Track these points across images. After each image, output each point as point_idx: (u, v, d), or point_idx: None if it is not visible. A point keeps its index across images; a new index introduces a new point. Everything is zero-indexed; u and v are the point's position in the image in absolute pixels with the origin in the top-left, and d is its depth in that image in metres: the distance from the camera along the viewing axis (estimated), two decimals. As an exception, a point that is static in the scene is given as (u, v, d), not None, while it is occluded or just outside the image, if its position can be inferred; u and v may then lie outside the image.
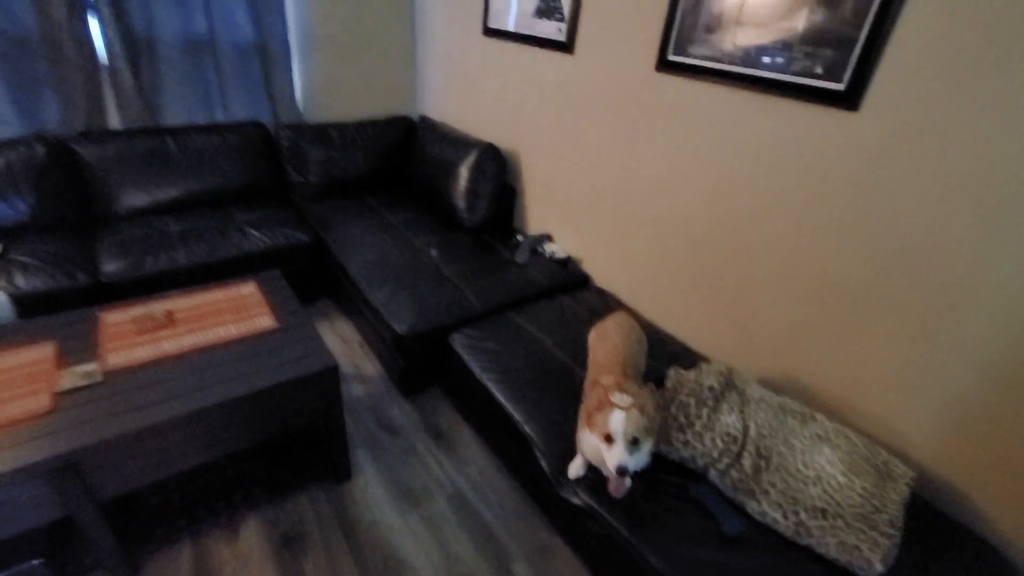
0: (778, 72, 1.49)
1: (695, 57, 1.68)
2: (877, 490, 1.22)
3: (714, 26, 1.61)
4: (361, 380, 2.18)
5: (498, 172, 2.54)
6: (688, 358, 1.86)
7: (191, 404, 1.30)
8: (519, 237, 2.54)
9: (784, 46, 1.46)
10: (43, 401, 1.24)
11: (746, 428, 1.37)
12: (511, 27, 2.38)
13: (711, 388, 1.45)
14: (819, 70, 1.40)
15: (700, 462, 1.33)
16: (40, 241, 2.08)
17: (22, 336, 1.46)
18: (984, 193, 1.19)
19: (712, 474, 1.31)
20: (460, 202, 2.55)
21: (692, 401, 1.40)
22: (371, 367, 2.25)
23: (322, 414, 1.56)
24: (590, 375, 1.52)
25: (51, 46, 2.18)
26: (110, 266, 2.04)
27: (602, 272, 2.32)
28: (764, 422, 1.40)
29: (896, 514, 1.19)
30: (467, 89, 2.84)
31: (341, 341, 2.40)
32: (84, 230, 2.27)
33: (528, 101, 2.44)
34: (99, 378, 1.33)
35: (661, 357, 1.84)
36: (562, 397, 1.63)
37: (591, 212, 2.28)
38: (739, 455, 1.31)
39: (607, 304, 2.14)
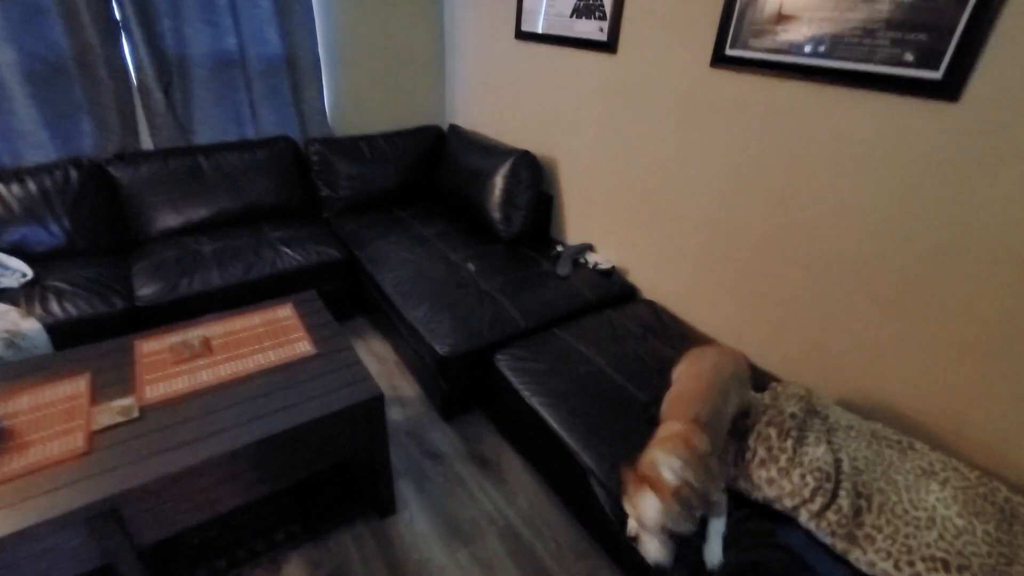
0: (859, 62, 1.34)
1: (757, 50, 1.55)
2: (1004, 535, 1.06)
3: (780, 15, 1.47)
4: (400, 403, 2.08)
5: (534, 180, 2.43)
6: (753, 377, 1.71)
7: (233, 442, 1.21)
8: (559, 248, 2.42)
9: (866, 33, 1.31)
10: (78, 441, 1.17)
11: (838, 461, 1.22)
12: (546, 29, 2.28)
13: (792, 416, 1.30)
14: (909, 58, 1.25)
15: (789, 503, 1.18)
16: (75, 266, 2.05)
17: (56, 369, 1.40)
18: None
19: (804, 517, 1.16)
20: (495, 213, 2.45)
21: (773, 432, 1.26)
22: (409, 388, 2.16)
23: (366, 447, 1.46)
24: (664, 405, 1.30)
25: (84, 69, 2.17)
26: (145, 290, 1.99)
27: (651, 283, 2.19)
28: (858, 454, 1.25)
29: (1029, 565, 1.02)
30: (499, 96, 2.74)
31: (377, 361, 2.31)
32: (119, 253, 2.24)
33: (565, 105, 2.33)
34: (136, 414, 1.26)
35: (724, 376, 1.70)
36: (621, 424, 1.50)
37: (637, 219, 2.15)
38: (834, 494, 1.16)
39: (660, 318, 2.00)
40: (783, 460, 1.22)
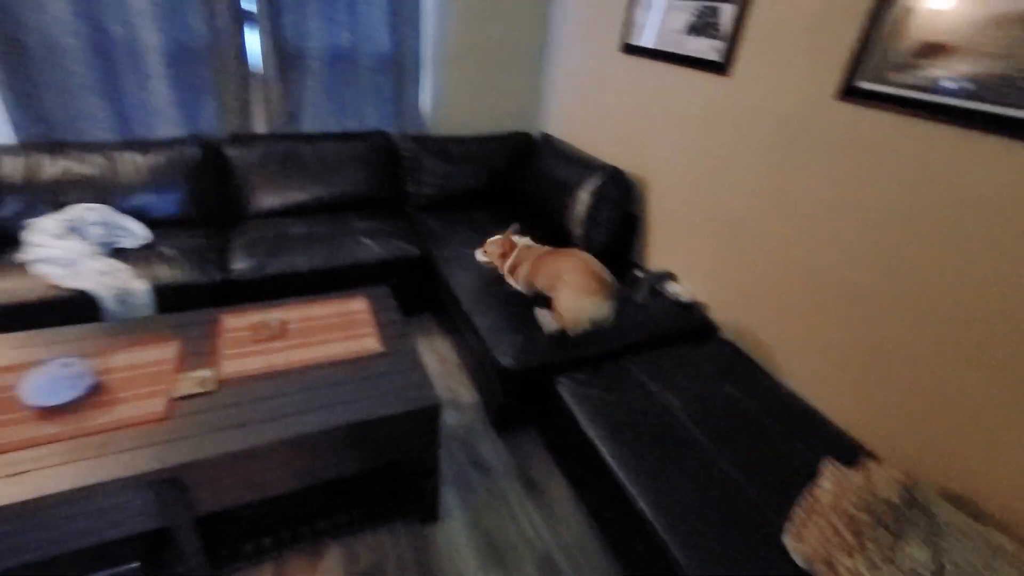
0: (1018, 108, 1.15)
1: (896, 85, 1.37)
2: None
3: (931, 48, 1.29)
4: (455, 407, 2.08)
5: (621, 199, 2.34)
6: (839, 444, 1.53)
7: (294, 428, 1.24)
8: (638, 273, 2.31)
9: (1040, 76, 1.12)
10: (159, 406, 1.25)
11: (941, 568, 1.05)
12: (655, 44, 2.18)
13: (889, 503, 1.13)
14: (1097, 109, 1.05)
15: None
16: (185, 235, 2.23)
17: (151, 332, 1.52)
18: None
19: None
20: (577, 228, 2.38)
21: (867, 518, 1.10)
22: (466, 394, 2.15)
23: (418, 453, 1.45)
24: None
25: (214, 55, 2.35)
26: (239, 264, 2.12)
27: (733, 322, 2.03)
28: (965, 563, 1.07)
29: None
30: (595, 108, 2.67)
31: (439, 361, 2.33)
32: (224, 227, 2.41)
33: (664, 124, 2.21)
34: (212, 387, 1.33)
35: (805, 436, 1.53)
36: (686, 473, 1.39)
37: (727, 253, 2.00)
38: None
39: (738, 361, 1.85)
40: (874, 551, 1.06)
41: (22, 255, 1.89)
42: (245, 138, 2.47)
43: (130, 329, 1.52)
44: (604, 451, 1.49)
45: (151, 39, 2.21)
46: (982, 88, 1.21)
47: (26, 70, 2.09)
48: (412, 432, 1.41)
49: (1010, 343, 1.23)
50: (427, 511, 1.59)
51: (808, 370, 1.74)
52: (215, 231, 2.34)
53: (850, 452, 1.50)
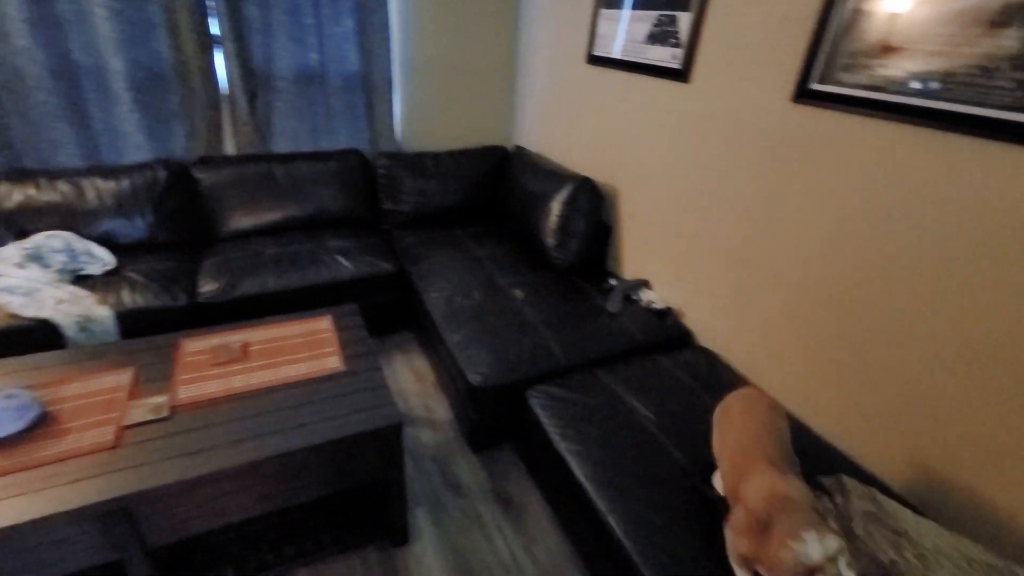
0: (970, 105, 1.15)
1: (848, 86, 1.38)
2: None
3: (878, 48, 1.30)
4: (431, 425, 2.04)
5: (593, 209, 2.33)
6: (823, 456, 1.50)
7: (249, 453, 1.21)
8: (612, 282, 2.30)
9: (983, 72, 1.12)
10: (108, 435, 1.21)
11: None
12: (618, 54, 2.19)
13: (893, 564, 1.07)
14: (1039, 102, 1.05)
15: None
16: (153, 259, 2.20)
17: (110, 359, 1.48)
18: None
19: None
20: (550, 239, 2.37)
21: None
22: (443, 412, 2.11)
23: (382, 474, 1.42)
24: (728, 473, 1.19)
25: (181, 79, 2.35)
26: (207, 287, 2.09)
27: (708, 330, 2.01)
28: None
29: None
30: (566, 120, 2.68)
31: (415, 379, 2.29)
32: (194, 250, 2.38)
33: (632, 133, 2.22)
34: (165, 413, 1.29)
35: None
36: (657, 487, 1.36)
37: (700, 259, 1.99)
38: None
39: (715, 369, 1.83)
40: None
41: (-18, 285, 1.86)
42: (214, 160, 2.46)
43: (87, 357, 1.49)
44: (574, 466, 1.46)
45: (116, 65, 2.20)
46: (929, 86, 1.21)
47: (-11, 99, 2.08)
48: (374, 452, 1.37)
49: (987, 343, 1.22)
50: (397, 534, 1.55)
51: (786, 376, 1.72)
52: (185, 254, 2.31)
53: (833, 462, 1.47)
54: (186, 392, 1.37)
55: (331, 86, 2.62)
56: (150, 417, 1.27)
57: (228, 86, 2.44)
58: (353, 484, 1.42)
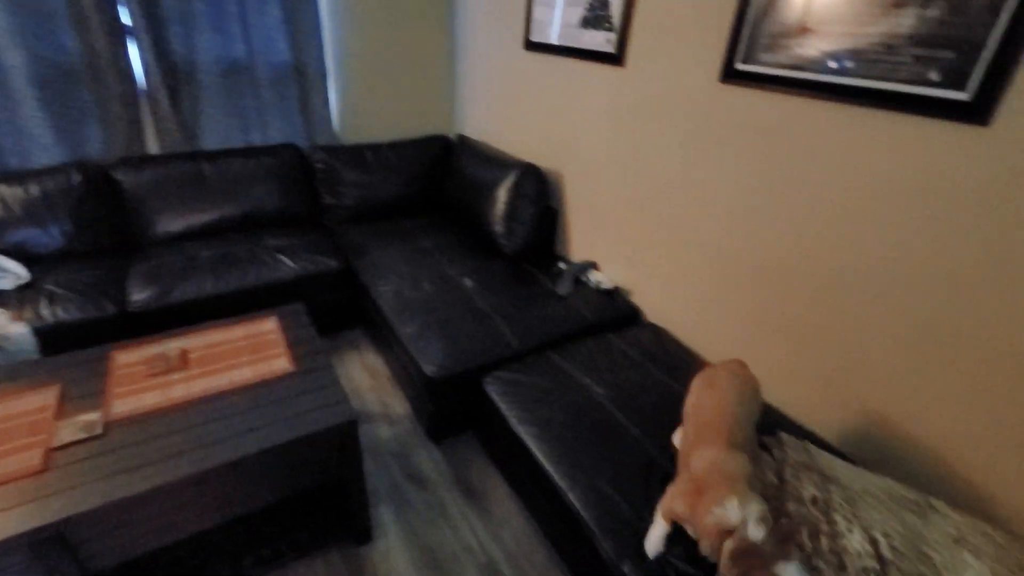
0: (876, 80, 1.24)
1: (769, 65, 1.45)
2: None
3: (794, 29, 1.37)
4: (388, 421, 2.02)
5: (539, 194, 2.36)
6: (765, 415, 1.58)
7: (196, 464, 1.16)
8: (561, 265, 2.34)
9: (887, 49, 1.21)
10: (35, 459, 1.13)
11: (874, 542, 1.07)
12: (555, 40, 2.21)
13: (815, 501, 1.15)
14: (934, 76, 1.14)
15: None
16: (74, 269, 2.05)
17: (30, 378, 1.37)
18: None
19: None
20: (498, 227, 2.38)
21: (804, 530, 1.11)
22: (400, 406, 2.09)
23: (339, 473, 1.39)
24: (688, 436, 1.25)
25: (92, 74, 2.18)
26: (138, 295, 1.97)
27: (656, 306, 2.08)
28: (887, 527, 1.09)
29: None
30: (507, 107, 2.68)
31: (370, 376, 2.25)
32: (119, 257, 2.23)
33: (573, 118, 2.25)
34: (99, 430, 1.21)
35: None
36: (614, 461, 1.40)
37: (644, 238, 2.05)
38: None
39: (662, 344, 1.90)
40: (823, 566, 1.06)
41: None
42: (136, 161, 2.30)
43: (4, 377, 1.37)
44: (533, 447, 1.48)
45: (14, 60, 2.02)
46: (839, 62, 1.30)
47: None
48: (330, 451, 1.35)
49: (906, 313, 1.32)
50: (360, 532, 1.53)
51: (727, 343, 1.80)
52: (110, 262, 2.16)
53: (777, 423, 1.56)
54: (121, 407, 1.29)
55: (261, 78, 2.50)
56: (82, 436, 1.19)
57: (146, 81, 2.28)
58: (311, 486, 1.39)
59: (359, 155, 2.74)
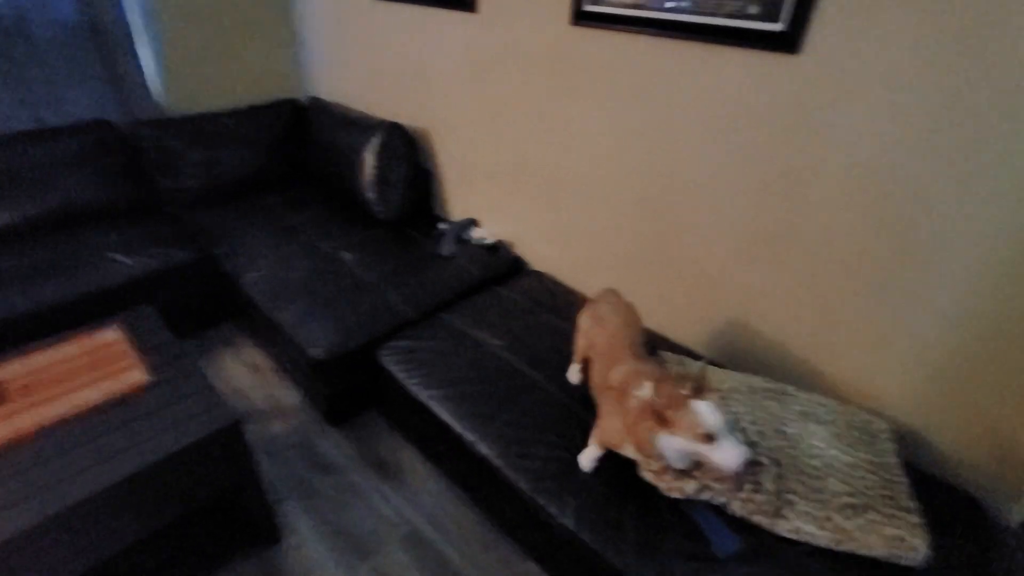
0: (707, 16, 1.33)
1: (613, 5, 1.49)
2: (877, 457, 1.15)
3: (633, -33, 1.42)
4: (281, 415, 1.88)
5: (409, 154, 2.26)
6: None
7: (50, 506, 0.98)
8: (441, 226, 2.29)
9: (714, -15, 1.29)
10: None
11: (743, 431, 1.23)
12: (401, -14, 2.06)
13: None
14: (753, 10, 1.25)
15: (720, 499, 1.13)
16: None
17: None
18: (953, 133, 1.10)
19: (736, 508, 1.12)
20: (369, 193, 2.25)
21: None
22: (290, 397, 1.95)
23: (231, 478, 1.27)
24: (597, 371, 1.31)
25: None
26: (-81, 327, 1.57)
27: (536, 253, 2.14)
28: (751, 415, 1.27)
29: (903, 480, 1.11)
30: (361, 63, 2.49)
31: (251, 372, 2.06)
32: None
33: (432, 70, 2.15)
34: None
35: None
36: (517, 405, 1.45)
37: (518, 188, 2.07)
38: (756, 475, 1.13)
39: (549, 290, 1.96)
40: None
41: None
42: None
43: None
44: (437, 409, 1.48)
45: None
46: (681, 3, 1.37)
47: None
48: (215, 460, 1.22)
49: (749, 227, 1.48)
50: (266, 534, 1.43)
51: (607, 281, 1.91)
52: None
53: (656, 344, 1.70)
54: (-80, 465, 1.04)
55: (39, 40, 2.04)
56: None
57: None
58: (204, 498, 1.25)
59: (195, 128, 2.39)
